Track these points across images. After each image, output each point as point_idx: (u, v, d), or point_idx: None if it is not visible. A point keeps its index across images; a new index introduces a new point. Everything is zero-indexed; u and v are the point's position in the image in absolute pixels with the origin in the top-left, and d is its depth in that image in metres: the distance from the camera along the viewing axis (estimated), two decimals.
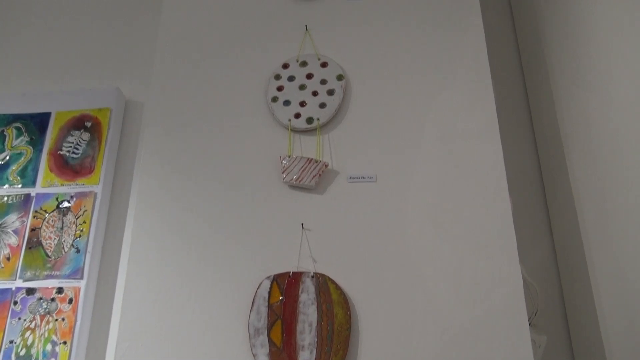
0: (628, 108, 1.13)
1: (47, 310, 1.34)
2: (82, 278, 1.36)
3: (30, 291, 1.37)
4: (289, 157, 1.21)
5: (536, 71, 1.51)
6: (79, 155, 1.50)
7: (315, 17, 1.38)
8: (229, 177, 1.23)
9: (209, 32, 1.39)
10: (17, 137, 1.55)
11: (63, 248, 1.40)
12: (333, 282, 1.11)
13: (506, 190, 1.15)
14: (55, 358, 1.30)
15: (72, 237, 1.41)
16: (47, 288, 1.36)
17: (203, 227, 1.19)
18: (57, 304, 1.35)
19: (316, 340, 1.06)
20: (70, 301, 1.34)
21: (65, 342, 1.31)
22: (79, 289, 1.35)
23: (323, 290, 1.10)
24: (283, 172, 1.19)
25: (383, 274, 1.12)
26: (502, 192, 1.15)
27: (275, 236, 1.17)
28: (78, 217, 1.42)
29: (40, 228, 1.43)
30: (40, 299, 1.36)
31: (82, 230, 1.41)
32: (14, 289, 1.37)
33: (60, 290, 1.36)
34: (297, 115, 1.26)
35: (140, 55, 1.67)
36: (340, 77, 1.29)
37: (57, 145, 1.52)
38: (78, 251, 1.39)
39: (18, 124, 1.57)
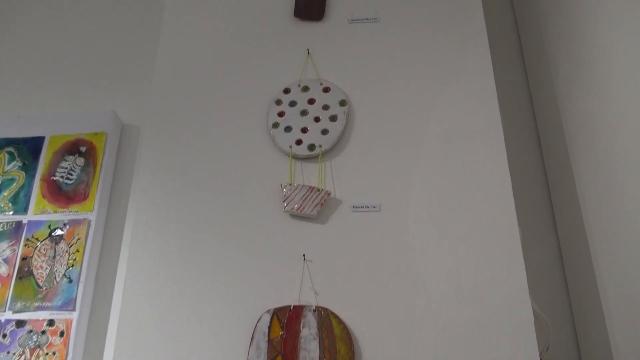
0: (632, 108, 1.11)
1: (37, 343, 1.29)
2: (74, 310, 1.31)
3: (20, 323, 1.31)
4: (290, 185, 1.18)
5: (539, 72, 1.50)
6: (73, 181, 1.46)
7: (317, 40, 1.36)
8: (227, 206, 1.20)
9: (208, 55, 1.37)
10: (10, 162, 1.51)
11: (55, 278, 1.35)
12: (335, 316, 1.07)
13: (515, 218, 1.12)
14: None
15: (65, 267, 1.36)
16: (38, 320, 1.31)
17: (200, 258, 1.15)
18: (47, 337, 1.29)
19: None
20: (62, 334, 1.29)
21: None
22: (71, 321, 1.30)
23: (325, 325, 1.06)
24: (284, 201, 1.16)
25: (388, 308, 1.07)
26: (510, 219, 1.12)
27: (276, 268, 1.13)
28: (71, 246, 1.38)
29: (31, 257, 1.38)
30: (31, 331, 1.30)
31: (75, 259, 1.36)
32: (3, 320, 1.32)
33: (51, 322, 1.30)
34: (299, 142, 1.23)
35: (138, 78, 1.64)
36: (343, 103, 1.26)
37: (51, 171, 1.48)
38: (70, 281, 1.34)
39: (10, 149, 1.52)
